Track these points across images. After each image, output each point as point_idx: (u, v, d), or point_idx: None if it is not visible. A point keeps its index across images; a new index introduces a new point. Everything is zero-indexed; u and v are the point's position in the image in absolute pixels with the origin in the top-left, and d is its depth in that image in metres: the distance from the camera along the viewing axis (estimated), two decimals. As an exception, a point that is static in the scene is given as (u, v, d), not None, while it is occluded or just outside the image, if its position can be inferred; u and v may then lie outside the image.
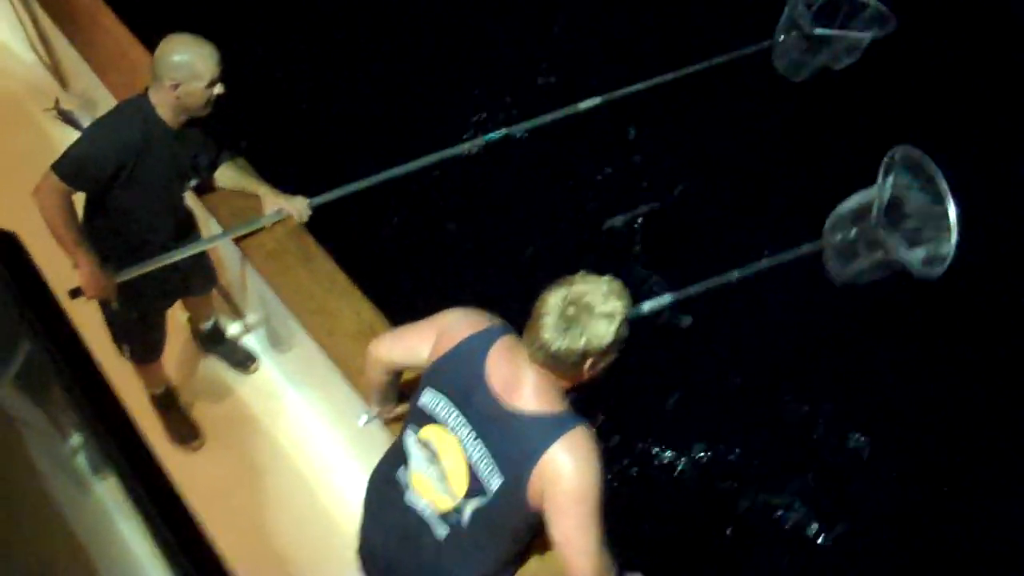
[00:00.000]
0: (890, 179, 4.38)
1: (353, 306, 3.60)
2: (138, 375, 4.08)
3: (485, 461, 2.47)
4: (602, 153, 5.98)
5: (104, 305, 3.72)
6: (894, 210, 4.38)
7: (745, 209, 5.87)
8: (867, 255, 4.45)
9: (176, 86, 3.33)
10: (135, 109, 3.41)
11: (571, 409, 2.48)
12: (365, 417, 3.17)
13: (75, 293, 3.41)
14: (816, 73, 5.00)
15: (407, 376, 3.02)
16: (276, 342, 4.38)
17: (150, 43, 4.31)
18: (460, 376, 2.54)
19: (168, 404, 4.20)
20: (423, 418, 2.59)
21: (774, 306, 5.36)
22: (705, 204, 5.91)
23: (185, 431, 4.20)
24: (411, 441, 2.63)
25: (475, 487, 2.50)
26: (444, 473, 2.55)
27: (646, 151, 6.09)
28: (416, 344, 2.71)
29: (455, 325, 2.64)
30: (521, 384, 2.45)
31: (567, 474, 2.37)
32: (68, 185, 3.28)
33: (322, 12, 6.80)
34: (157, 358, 4.06)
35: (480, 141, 4.20)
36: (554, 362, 2.39)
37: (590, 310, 2.35)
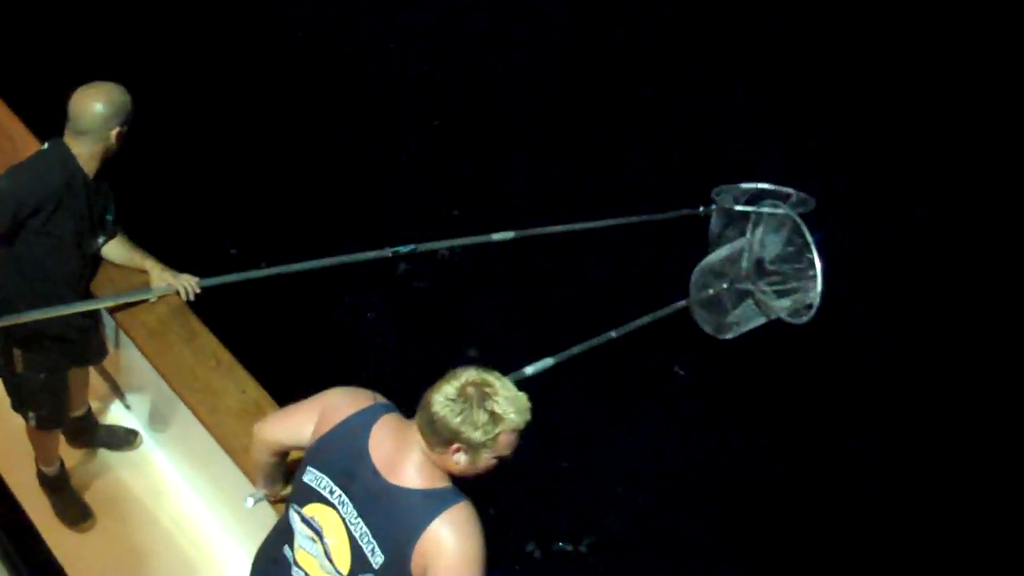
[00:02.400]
0: (758, 231, 4.60)
1: (237, 384, 3.62)
2: (36, 449, 3.98)
3: (367, 539, 2.48)
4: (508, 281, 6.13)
5: (8, 371, 3.69)
6: (759, 262, 4.61)
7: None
8: (735, 305, 4.66)
9: (120, 133, 3.44)
10: (56, 156, 3.44)
11: (454, 486, 2.50)
12: (251, 500, 3.14)
13: None
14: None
15: (294, 455, 3.00)
16: (158, 420, 4.32)
17: (32, 121, 4.35)
18: (343, 454, 2.55)
19: (60, 485, 4.08)
20: (306, 496, 2.60)
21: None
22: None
23: (76, 512, 4.09)
24: (295, 518, 2.64)
25: (359, 565, 2.51)
26: (328, 551, 2.55)
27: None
28: (300, 423, 2.72)
29: (337, 403, 2.66)
30: (405, 460, 2.48)
31: (448, 550, 2.39)
32: None
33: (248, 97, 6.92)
34: (62, 425, 3.99)
35: (387, 252, 4.26)
36: (429, 428, 2.43)
37: (484, 400, 2.39)
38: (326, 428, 2.61)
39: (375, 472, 2.49)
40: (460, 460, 2.44)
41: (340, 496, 2.52)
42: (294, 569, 2.66)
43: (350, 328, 5.64)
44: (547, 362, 4.02)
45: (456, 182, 6.68)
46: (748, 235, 4.60)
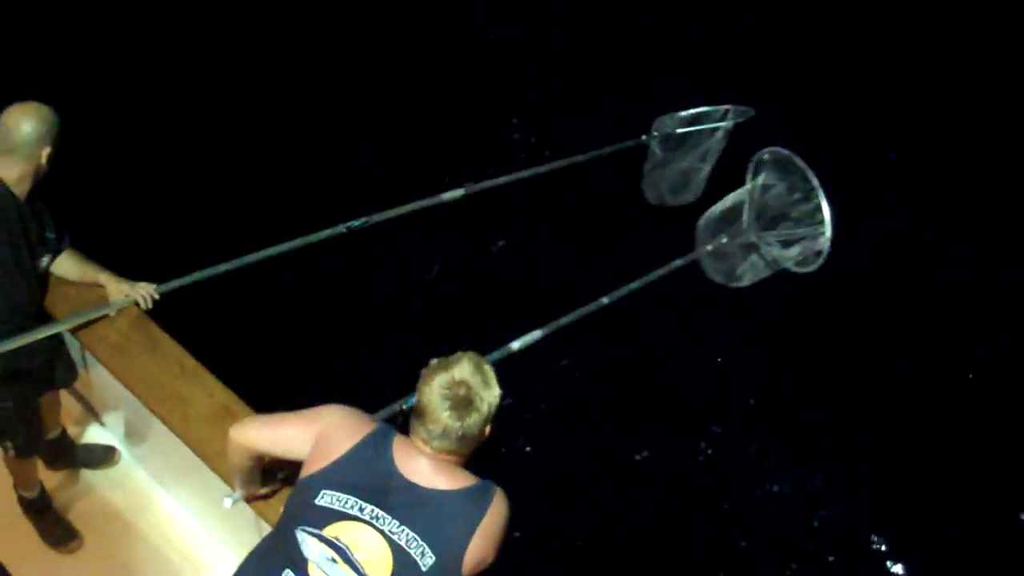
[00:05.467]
0: (759, 179, 4.45)
1: (205, 389, 3.56)
2: (15, 476, 3.93)
3: (415, 543, 2.56)
4: (464, 240, 6.04)
5: None
6: (767, 210, 4.46)
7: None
8: (743, 258, 4.55)
9: (50, 154, 3.37)
10: None
11: (481, 478, 2.69)
12: (229, 500, 3.13)
13: None
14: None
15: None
16: (132, 434, 4.27)
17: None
18: (368, 473, 2.64)
19: (42, 507, 4.03)
20: (325, 518, 2.60)
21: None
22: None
23: (61, 533, 4.05)
24: (308, 542, 2.60)
25: (402, 571, 2.56)
26: (359, 566, 2.56)
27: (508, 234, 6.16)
28: (291, 437, 2.77)
29: (342, 426, 2.72)
30: (434, 469, 2.63)
31: (500, 532, 2.67)
32: None
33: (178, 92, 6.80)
34: (38, 451, 3.92)
35: (341, 228, 4.19)
36: (462, 443, 2.61)
37: (478, 382, 2.59)
38: (339, 451, 2.66)
39: (411, 484, 2.62)
40: (488, 431, 2.67)
41: (374, 511, 2.59)
42: None
43: (313, 321, 5.56)
44: (535, 335, 3.91)
45: (401, 153, 6.60)
46: (748, 183, 4.47)
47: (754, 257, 4.52)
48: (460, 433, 2.59)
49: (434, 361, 2.65)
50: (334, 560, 2.57)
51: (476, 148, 6.62)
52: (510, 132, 6.80)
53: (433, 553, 2.57)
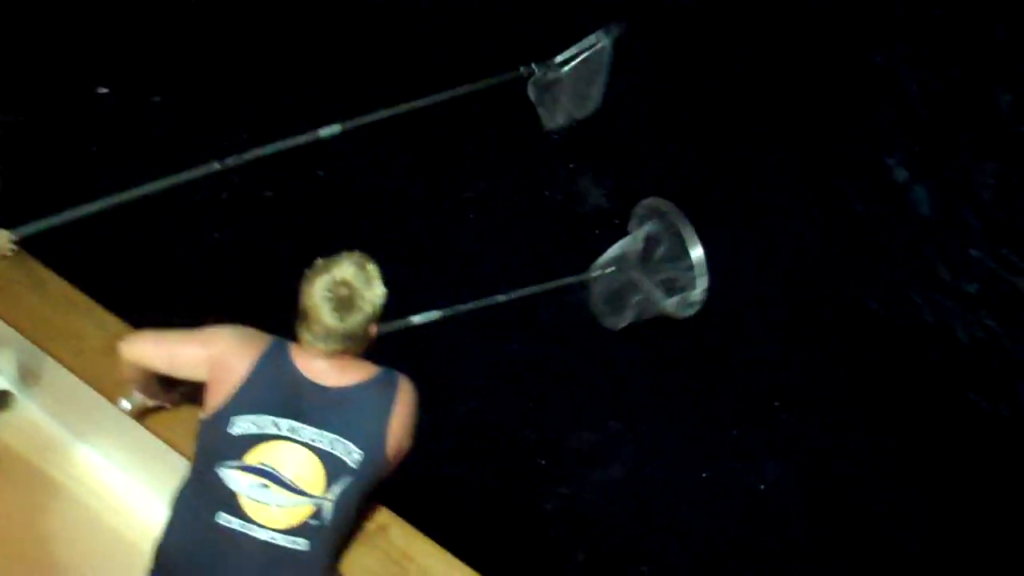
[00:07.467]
0: (644, 229, 4.59)
1: (96, 321, 3.52)
2: None
3: (339, 444, 2.62)
4: (345, 179, 5.82)
5: None
6: (652, 257, 4.65)
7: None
8: (628, 299, 4.71)
9: None
10: None
11: (379, 365, 2.78)
12: (127, 403, 3.11)
13: None
14: (565, 122, 5.40)
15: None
16: (27, 376, 4.17)
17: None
18: (275, 388, 2.67)
19: None
20: (243, 445, 2.61)
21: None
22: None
23: None
24: (232, 476, 2.61)
25: (334, 474, 2.62)
26: (290, 483, 2.59)
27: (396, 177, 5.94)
28: (184, 359, 2.76)
29: (235, 349, 2.70)
30: (338, 368, 2.69)
31: (413, 416, 2.77)
32: None
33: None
34: None
35: (215, 166, 4.16)
36: (348, 343, 2.63)
37: (360, 281, 2.60)
38: (239, 375, 2.66)
39: (320, 387, 2.67)
40: (375, 329, 2.71)
41: (290, 424, 2.63)
42: (244, 526, 2.62)
43: (197, 246, 5.44)
44: (433, 314, 4.20)
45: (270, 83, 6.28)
46: (632, 232, 4.65)
47: (638, 297, 4.66)
48: (342, 333, 2.61)
49: (319, 261, 2.64)
50: (265, 485, 2.59)
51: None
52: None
53: (358, 448, 2.64)
